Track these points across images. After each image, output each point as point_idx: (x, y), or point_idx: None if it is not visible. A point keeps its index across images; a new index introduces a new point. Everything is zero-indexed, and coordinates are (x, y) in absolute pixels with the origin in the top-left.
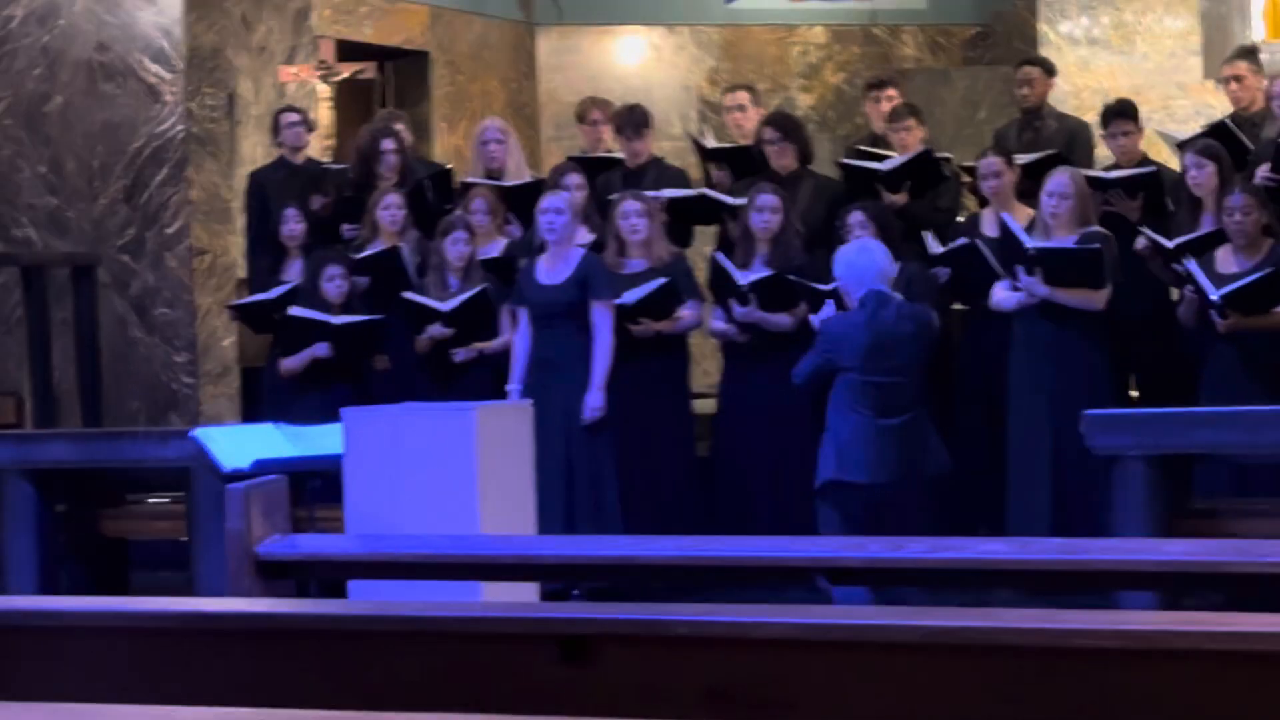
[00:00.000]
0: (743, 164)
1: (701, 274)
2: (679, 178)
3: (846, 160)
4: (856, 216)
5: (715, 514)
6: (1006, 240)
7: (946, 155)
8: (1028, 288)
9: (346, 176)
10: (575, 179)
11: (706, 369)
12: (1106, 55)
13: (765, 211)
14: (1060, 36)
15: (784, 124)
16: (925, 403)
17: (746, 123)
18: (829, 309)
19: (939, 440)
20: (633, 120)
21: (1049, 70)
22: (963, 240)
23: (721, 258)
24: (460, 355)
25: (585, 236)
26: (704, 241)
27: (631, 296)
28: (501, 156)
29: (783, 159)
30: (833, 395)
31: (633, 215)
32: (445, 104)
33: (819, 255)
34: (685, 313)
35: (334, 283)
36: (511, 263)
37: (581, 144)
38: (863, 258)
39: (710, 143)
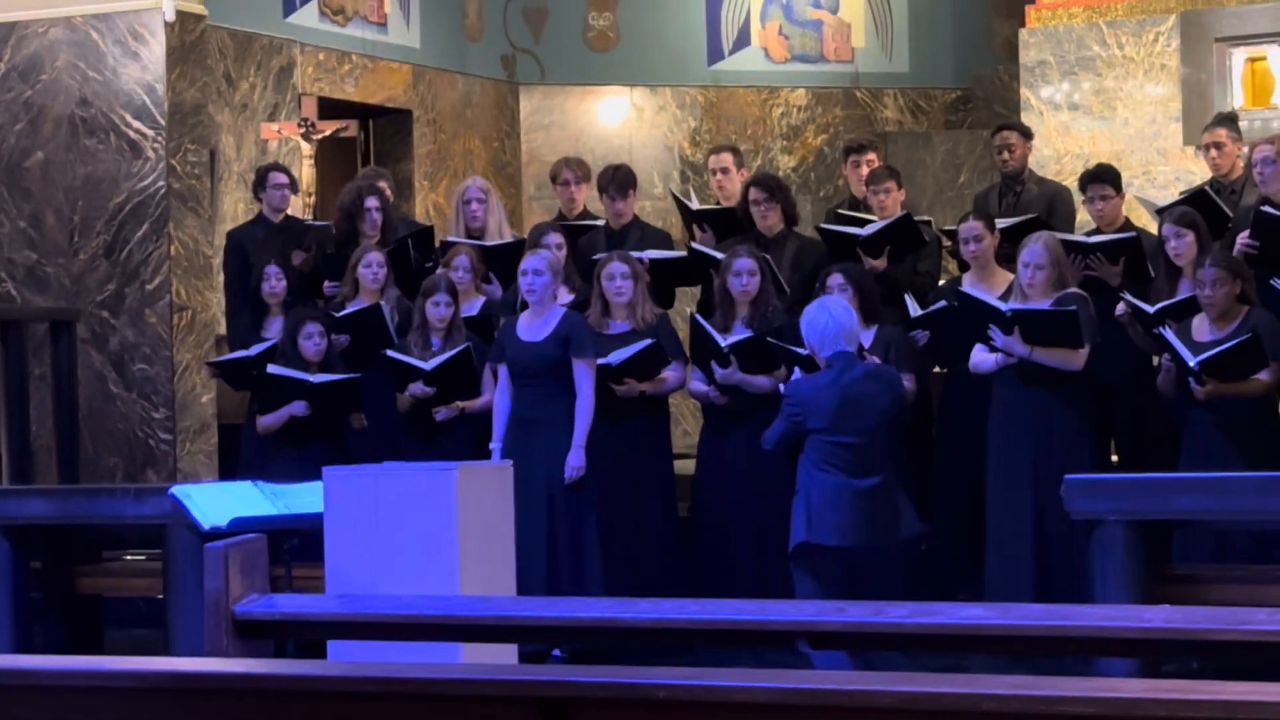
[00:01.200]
0: (727, 226)
1: (682, 334)
2: (663, 239)
3: (826, 226)
4: (836, 279)
5: (696, 575)
6: (979, 308)
7: (927, 219)
8: (1006, 347)
9: (328, 233)
10: (555, 238)
11: (686, 429)
12: (1087, 121)
13: (743, 275)
14: (1041, 101)
15: (770, 185)
16: (897, 465)
17: (729, 185)
18: (798, 372)
19: (910, 503)
20: (618, 181)
21: (1027, 134)
22: (942, 303)
23: (701, 320)
24: (442, 414)
25: (565, 296)
26: (684, 301)
27: (617, 357)
28: (483, 215)
29: (768, 220)
30: (803, 457)
31: (619, 277)
32: (427, 162)
33: (799, 318)
34: (669, 374)
35: (312, 340)
36: (489, 321)
37: (561, 205)
38: (823, 315)
39: (695, 204)
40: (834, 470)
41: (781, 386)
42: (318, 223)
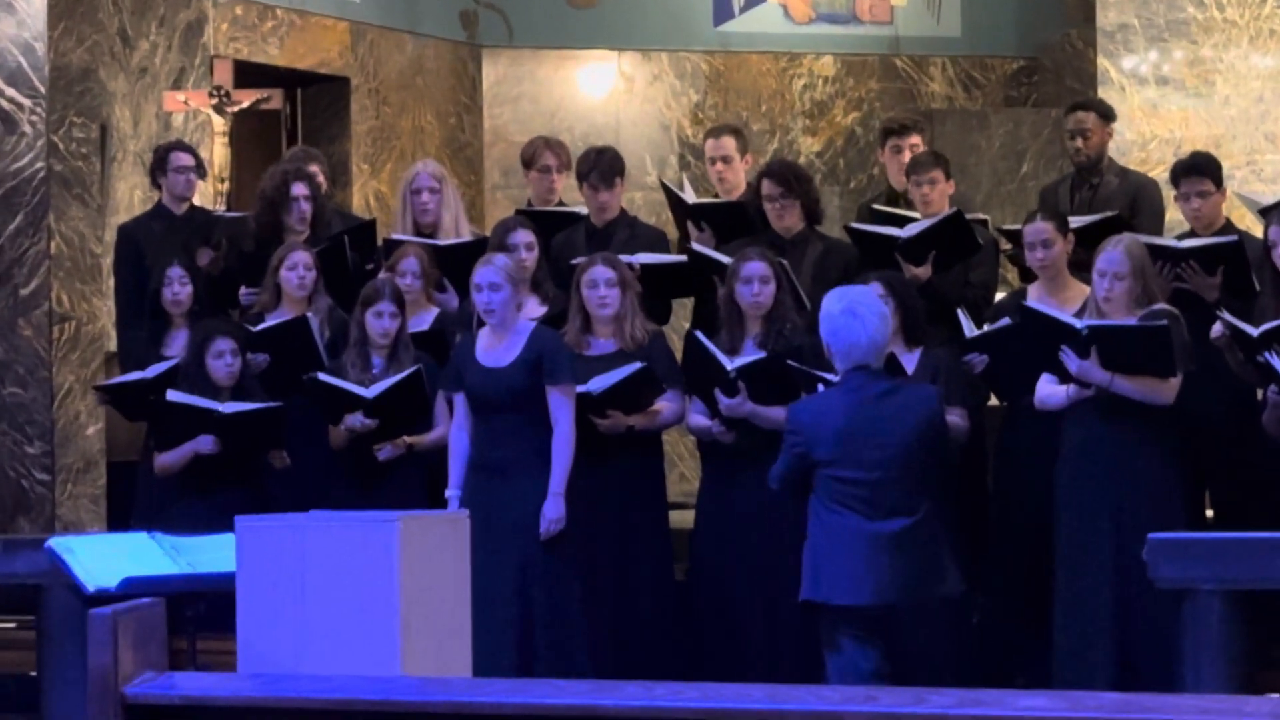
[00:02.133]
0: (731, 224)
1: (678, 355)
2: (656, 239)
3: (857, 225)
4: (874, 289)
5: (697, 652)
6: (1048, 326)
7: (982, 217)
8: (1081, 373)
9: (245, 227)
10: (524, 237)
11: (684, 473)
12: (1179, 98)
13: (754, 283)
14: (1123, 74)
15: (788, 175)
16: (934, 505)
17: (731, 176)
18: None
19: (955, 558)
20: (602, 167)
21: (1107, 115)
22: (1004, 321)
23: (703, 338)
24: (385, 453)
25: (536, 309)
26: (680, 316)
27: (599, 384)
28: (435, 208)
29: (786, 218)
30: (812, 497)
31: (603, 285)
32: (367, 141)
33: None
34: (664, 405)
35: (223, 360)
36: (443, 337)
37: (532, 194)
38: (851, 321)
39: (691, 196)
40: (845, 511)
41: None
42: (232, 214)
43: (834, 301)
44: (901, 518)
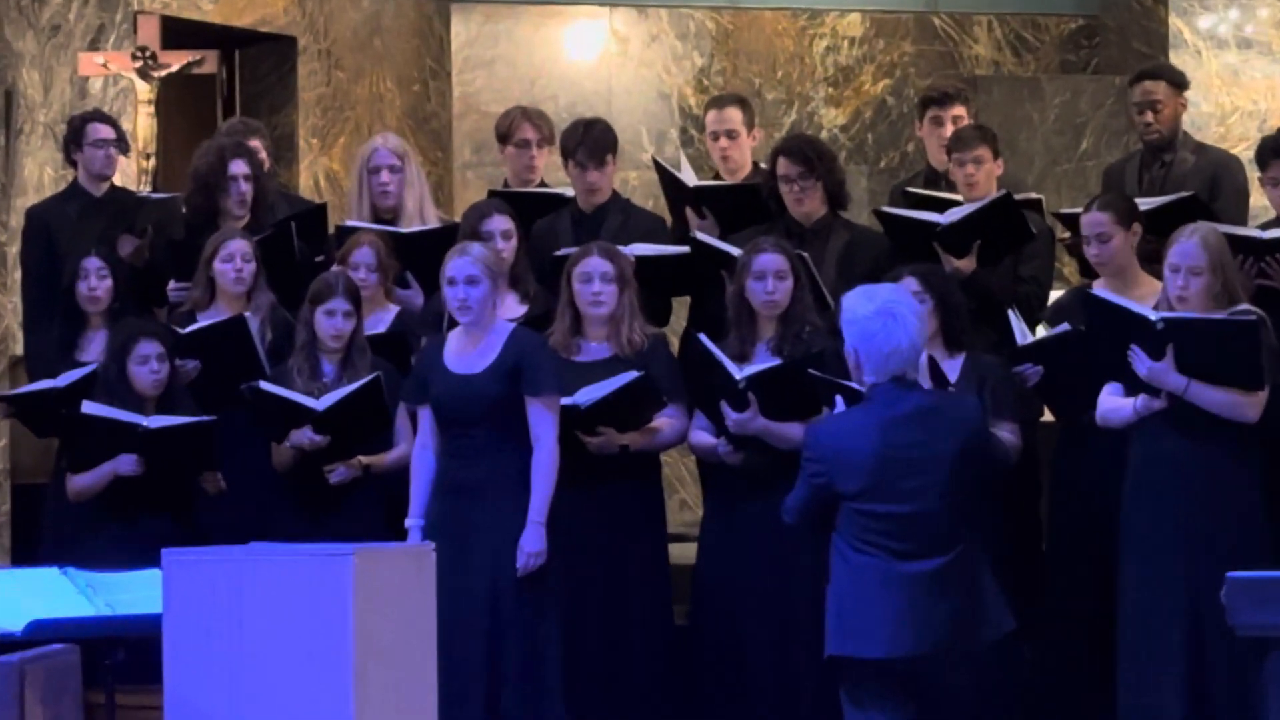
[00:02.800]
0: (739, 209)
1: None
2: (654, 227)
3: (890, 210)
4: (909, 284)
5: (700, 709)
6: (1114, 316)
7: (1035, 196)
8: (1153, 376)
9: (174, 211)
10: (500, 224)
11: (686, 499)
12: (1265, 64)
13: (769, 278)
14: (1199, 35)
15: (807, 154)
16: (973, 538)
17: (736, 154)
18: (840, 408)
19: (999, 593)
20: (590, 143)
21: (1179, 84)
22: (1064, 327)
23: (708, 342)
24: (338, 475)
25: (515, 308)
26: (678, 315)
27: (589, 395)
28: (397, 190)
29: (804, 204)
30: (835, 534)
31: (598, 279)
32: (317, 112)
33: None
34: (664, 421)
35: (149, 366)
36: (404, 340)
37: (509, 173)
38: (882, 324)
39: (691, 177)
40: (875, 550)
41: None
42: (159, 196)
43: (861, 301)
44: (939, 555)
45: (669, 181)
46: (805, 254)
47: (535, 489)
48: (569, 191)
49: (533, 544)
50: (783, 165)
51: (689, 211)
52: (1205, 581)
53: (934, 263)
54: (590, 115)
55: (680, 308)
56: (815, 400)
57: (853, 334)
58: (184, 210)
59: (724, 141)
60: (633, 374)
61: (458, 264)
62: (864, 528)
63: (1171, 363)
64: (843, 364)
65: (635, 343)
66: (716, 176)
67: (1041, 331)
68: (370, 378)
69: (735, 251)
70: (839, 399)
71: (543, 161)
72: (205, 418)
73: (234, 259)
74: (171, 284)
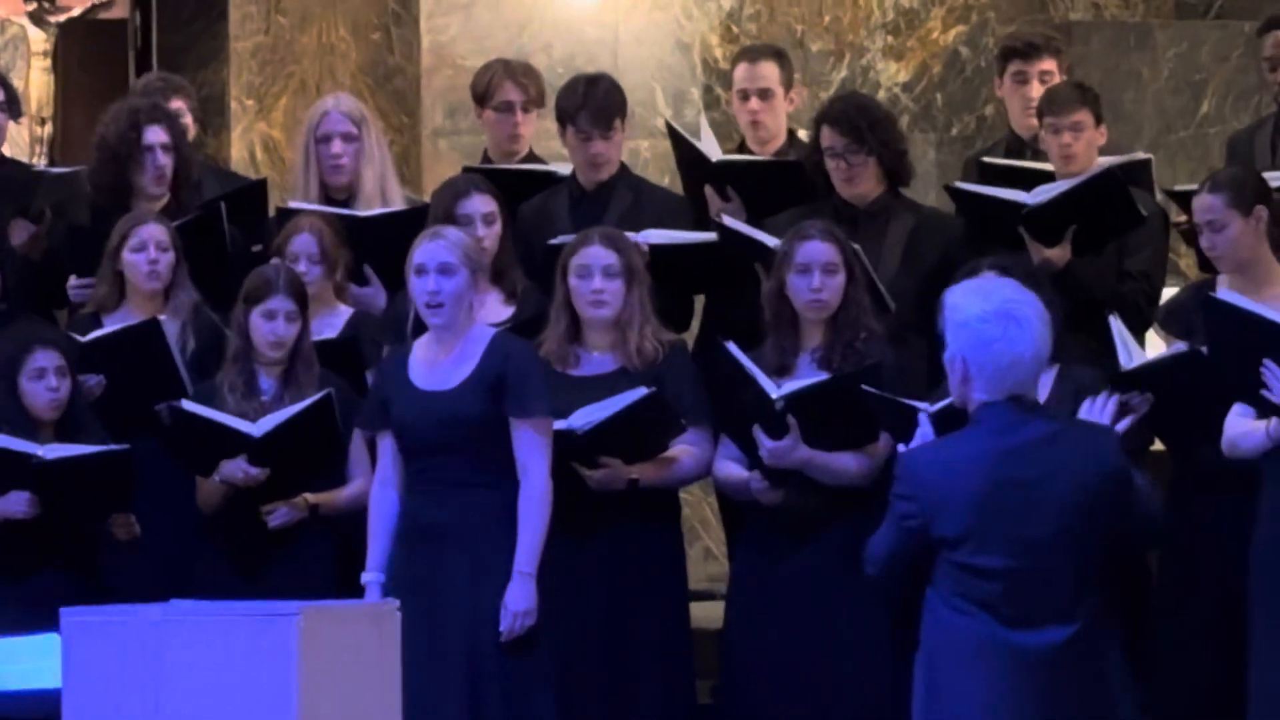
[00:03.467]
0: (775, 191)
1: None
2: (673, 208)
3: (964, 187)
4: (1005, 284)
5: None
6: (1243, 324)
7: (1142, 157)
8: None
9: (77, 190)
10: (480, 205)
11: (711, 547)
12: None
13: (814, 272)
14: None
15: (858, 121)
16: (1100, 607)
17: (769, 119)
18: (922, 436)
19: (1130, 678)
20: (593, 106)
21: None
22: (1179, 347)
23: (738, 352)
24: (279, 517)
25: (498, 310)
26: (697, 317)
27: (587, 418)
28: (352, 163)
29: (857, 182)
30: (929, 590)
31: (599, 274)
32: (253, 66)
33: (915, 347)
34: (684, 449)
35: (44, 383)
36: (359, 349)
37: (489, 144)
38: (1005, 332)
39: (714, 148)
40: (977, 611)
41: (871, 461)
42: (58, 170)
43: (973, 299)
44: (1058, 624)
45: (686, 153)
46: (857, 247)
47: (523, 534)
48: (564, 168)
49: (519, 602)
50: (828, 135)
51: (709, 191)
52: None
53: (1019, 253)
54: (592, 70)
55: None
56: (871, 424)
57: (961, 340)
58: (88, 188)
59: (755, 103)
60: (642, 390)
61: (429, 249)
62: (964, 584)
63: None
64: (905, 379)
65: (647, 352)
66: (741, 147)
67: (1152, 345)
68: (319, 396)
69: (772, 241)
70: (923, 421)
71: (530, 129)
72: (117, 446)
73: (147, 248)
74: (72, 280)
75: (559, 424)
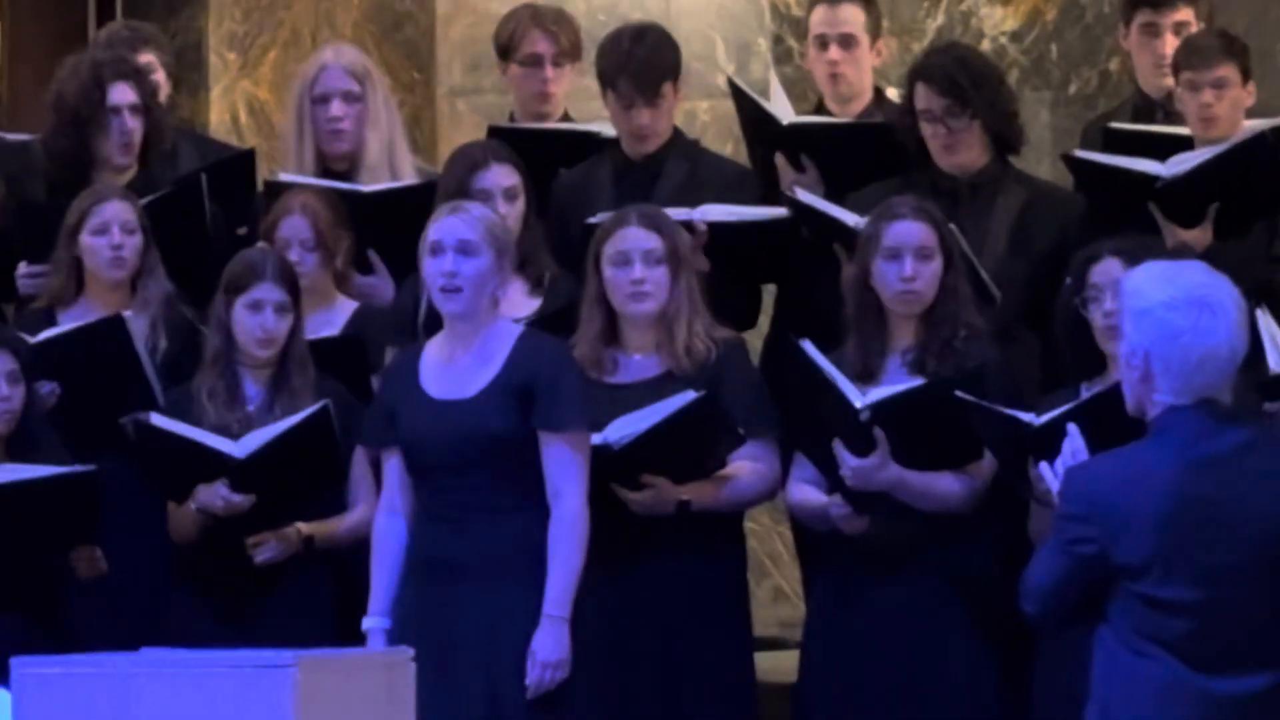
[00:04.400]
0: (856, 160)
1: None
2: (734, 180)
3: (1085, 155)
4: (1112, 266)
5: None
6: None
7: None
8: None
9: (28, 160)
10: (502, 178)
11: (781, 586)
12: None
13: (905, 257)
14: None
15: (959, 79)
16: None
17: (852, 73)
18: (1074, 451)
19: None
20: (640, 65)
21: None
22: None
23: (813, 351)
24: (267, 551)
25: (523, 302)
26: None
27: (624, 430)
28: (354, 128)
29: (958, 151)
30: (1104, 628)
31: (637, 260)
32: (236, 14)
33: (1025, 346)
34: (744, 465)
35: None
36: (361, 349)
37: (515, 104)
38: (1201, 322)
39: (785, 108)
40: (1162, 653)
41: (1046, 472)
42: (7, 138)
43: (1159, 284)
44: (1258, 670)
45: (752, 116)
46: (954, 227)
47: (553, 570)
48: (608, 128)
49: (549, 651)
50: (924, 95)
51: (780, 160)
52: None
53: (1150, 235)
54: (639, 19)
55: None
56: (973, 438)
57: (1143, 331)
58: (42, 158)
59: (835, 51)
60: (689, 394)
61: (448, 225)
62: (1147, 620)
63: None
64: (1011, 382)
65: (697, 352)
66: (819, 108)
67: None
68: (314, 409)
69: (854, 220)
70: (1073, 432)
71: (563, 87)
72: (81, 468)
73: (110, 230)
74: (22, 268)
75: (597, 438)
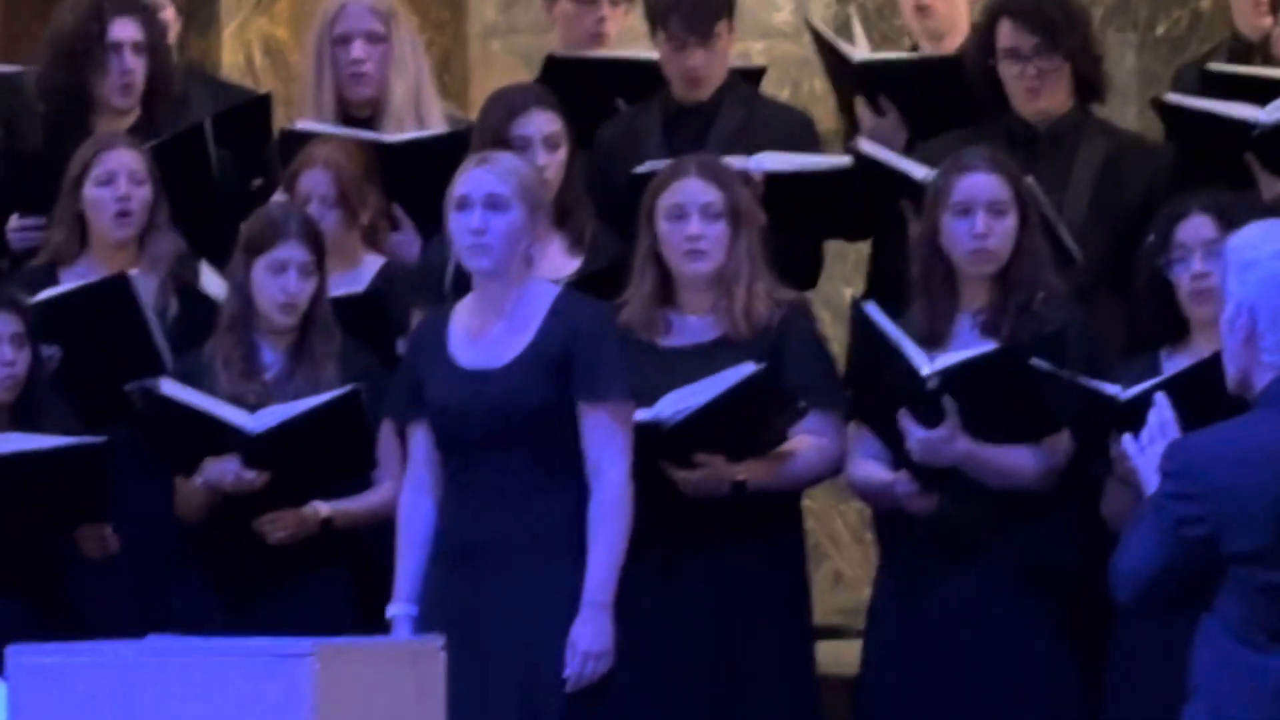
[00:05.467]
0: (936, 100)
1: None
2: (793, 129)
3: (1177, 100)
4: (1201, 224)
5: None
6: None
7: None
8: None
9: (23, 102)
10: (543, 124)
11: (842, 570)
12: None
13: (978, 213)
14: None
15: (1046, 15)
16: None
17: (944, 6)
18: (1161, 424)
19: None
20: (691, 3)
21: None
22: None
23: (877, 314)
24: (280, 532)
25: (563, 261)
26: (834, 277)
27: (678, 405)
28: (378, 71)
29: (1043, 95)
30: (1209, 618)
31: (695, 214)
32: None
33: (1108, 310)
34: (807, 440)
35: None
36: (386, 311)
37: (562, 41)
38: None
39: (862, 49)
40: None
41: (1130, 448)
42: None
43: (1269, 235)
44: None
45: (830, 58)
46: (1032, 179)
47: (594, 553)
48: (651, 59)
49: (591, 640)
50: (1009, 33)
51: (860, 106)
52: None
53: (1245, 190)
54: None
55: (838, 262)
56: (1050, 409)
57: (1250, 285)
58: (38, 100)
59: None
60: (750, 366)
61: (475, 177)
62: (1264, 608)
63: None
64: (1093, 349)
65: (758, 315)
66: (914, 47)
67: None
68: (345, 391)
69: (920, 171)
70: (1160, 402)
71: (617, 26)
72: (92, 439)
73: (116, 180)
74: (14, 220)
75: (642, 414)
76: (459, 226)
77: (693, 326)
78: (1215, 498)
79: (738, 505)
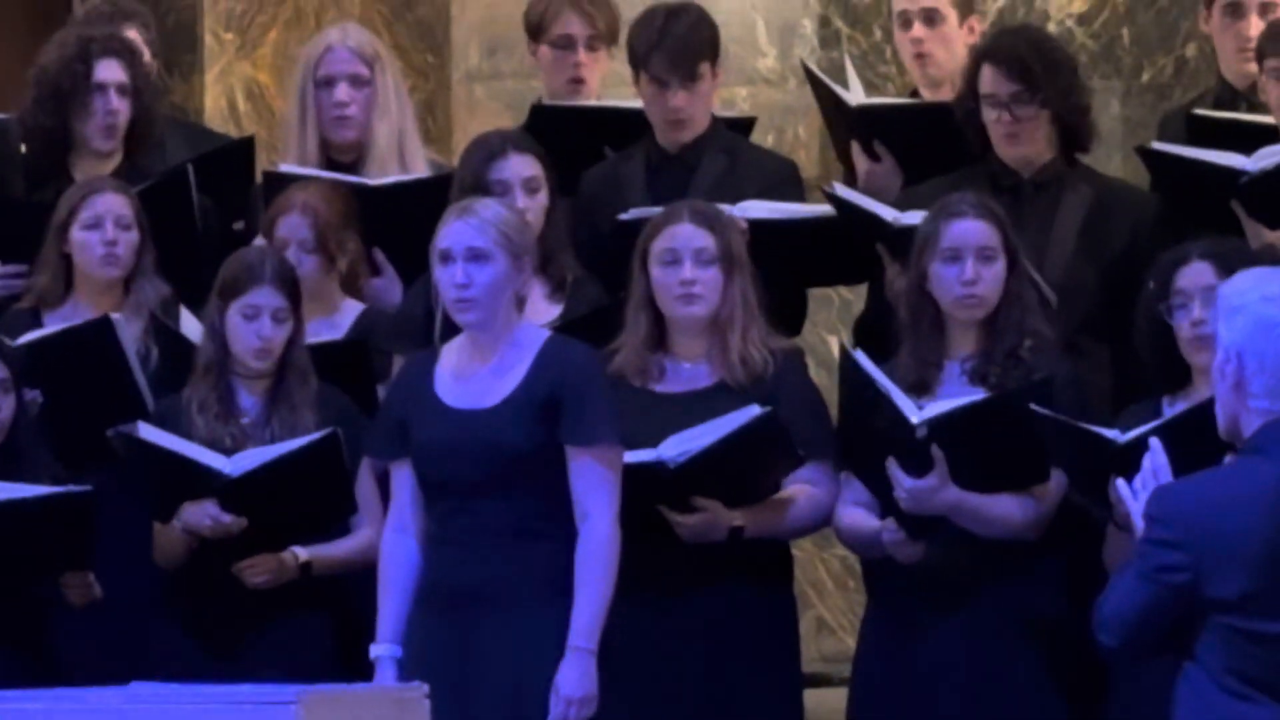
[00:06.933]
0: (928, 145)
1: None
2: (779, 176)
3: (1162, 148)
4: (1200, 271)
5: None
6: None
7: None
8: None
9: (7, 145)
10: (521, 168)
11: (826, 616)
12: None
13: (966, 259)
14: None
15: (1030, 60)
16: None
17: (940, 50)
18: (1155, 469)
19: None
20: (675, 44)
21: None
22: None
23: (865, 362)
24: (259, 576)
25: (543, 307)
26: (818, 324)
27: (683, 446)
28: (361, 114)
29: (1022, 142)
30: (1191, 666)
31: (688, 259)
32: None
33: (1095, 359)
34: (801, 490)
35: None
36: (367, 356)
37: (545, 90)
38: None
39: (856, 91)
40: (1262, 698)
41: (1126, 493)
42: None
43: (1257, 281)
44: None
45: (827, 101)
46: (1006, 226)
47: (580, 597)
48: (631, 106)
49: (575, 685)
50: (990, 78)
51: (855, 149)
52: None
53: (1234, 235)
54: None
55: (823, 309)
56: (1039, 457)
57: (1238, 330)
58: (21, 144)
59: (919, 29)
60: (755, 409)
61: (455, 230)
62: (1247, 658)
63: None
64: (1082, 397)
65: (753, 362)
66: (914, 93)
67: None
68: (322, 435)
69: (888, 214)
70: (1155, 447)
71: (597, 72)
72: (76, 487)
73: (103, 224)
74: None
75: (645, 454)
76: (444, 280)
77: (686, 372)
78: (1198, 545)
79: (730, 551)
